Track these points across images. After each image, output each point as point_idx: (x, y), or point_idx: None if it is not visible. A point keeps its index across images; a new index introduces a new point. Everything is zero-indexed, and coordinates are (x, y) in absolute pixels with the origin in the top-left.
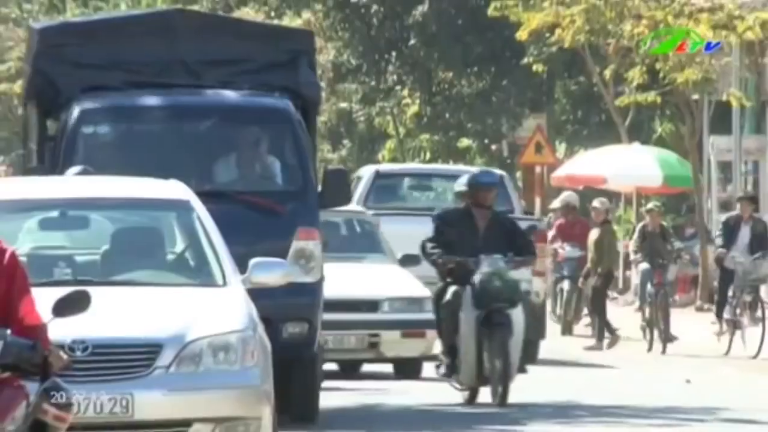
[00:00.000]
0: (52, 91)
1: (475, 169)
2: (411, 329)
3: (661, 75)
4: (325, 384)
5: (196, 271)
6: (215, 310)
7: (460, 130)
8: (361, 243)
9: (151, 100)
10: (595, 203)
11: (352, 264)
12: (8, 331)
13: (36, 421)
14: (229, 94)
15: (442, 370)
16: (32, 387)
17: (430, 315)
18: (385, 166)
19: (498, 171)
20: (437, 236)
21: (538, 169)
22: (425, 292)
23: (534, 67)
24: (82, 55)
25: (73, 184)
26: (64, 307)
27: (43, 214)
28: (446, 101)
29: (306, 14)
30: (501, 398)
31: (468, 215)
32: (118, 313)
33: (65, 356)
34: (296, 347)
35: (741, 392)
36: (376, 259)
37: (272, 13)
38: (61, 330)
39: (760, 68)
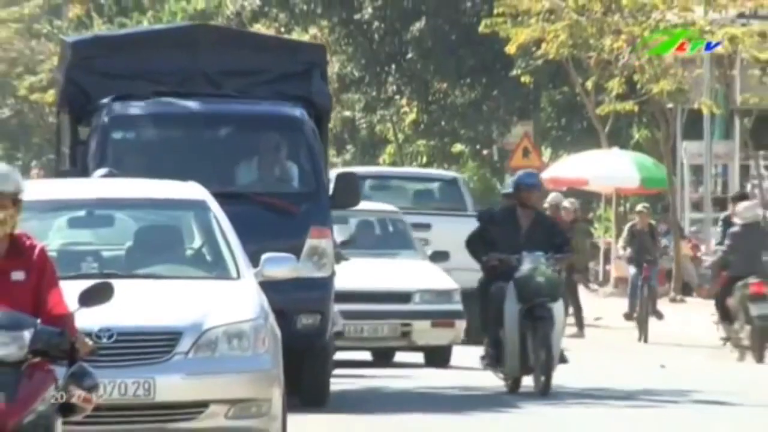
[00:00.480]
0: (84, 99)
1: (433, 170)
2: (440, 319)
3: (638, 85)
4: (357, 371)
5: (212, 266)
6: (230, 301)
7: (453, 136)
8: (394, 240)
9: (175, 108)
10: (565, 203)
11: (386, 260)
12: (38, 320)
13: (64, 403)
14: (247, 103)
15: (487, 360)
16: (60, 371)
17: (458, 306)
18: (346, 170)
19: (453, 173)
20: (482, 234)
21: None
22: (453, 285)
23: (521, 79)
24: (111, 66)
25: (99, 185)
26: (88, 298)
27: (71, 214)
28: (441, 110)
29: (313, 30)
30: (544, 387)
31: (512, 214)
32: (140, 304)
33: (91, 343)
34: (309, 337)
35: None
36: (408, 255)
37: (282, 29)
38: (88, 319)
39: (729, 79)
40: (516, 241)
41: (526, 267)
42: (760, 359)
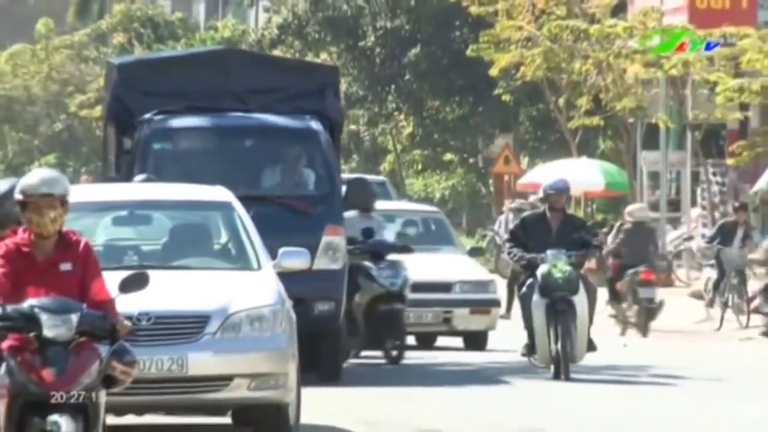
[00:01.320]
0: (128, 114)
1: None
2: (478, 307)
3: (603, 103)
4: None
5: (236, 258)
6: (251, 289)
7: (444, 146)
8: (436, 237)
9: (207, 121)
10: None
11: (429, 254)
12: (84, 306)
13: (107, 376)
14: (270, 117)
15: (523, 350)
16: (104, 349)
17: (494, 295)
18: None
19: (381, 177)
20: (513, 237)
21: (506, 178)
22: (489, 276)
23: (503, 97)
24: (152, 85)
25: (139, 189)
26: (127, 286)
27: (115, 213)
28: (434, 124)
29: (323, 55)
30: (565, 374)
31: (543, 218)
32: (175, 291)
33: (129, 324)
34: (324, 321)
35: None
36: (449, 250)
37: (297, 54)
38: (130, 304)
39: (681, 98)
40: (547, 241)
41: (546, 264)
42: (644, 334)
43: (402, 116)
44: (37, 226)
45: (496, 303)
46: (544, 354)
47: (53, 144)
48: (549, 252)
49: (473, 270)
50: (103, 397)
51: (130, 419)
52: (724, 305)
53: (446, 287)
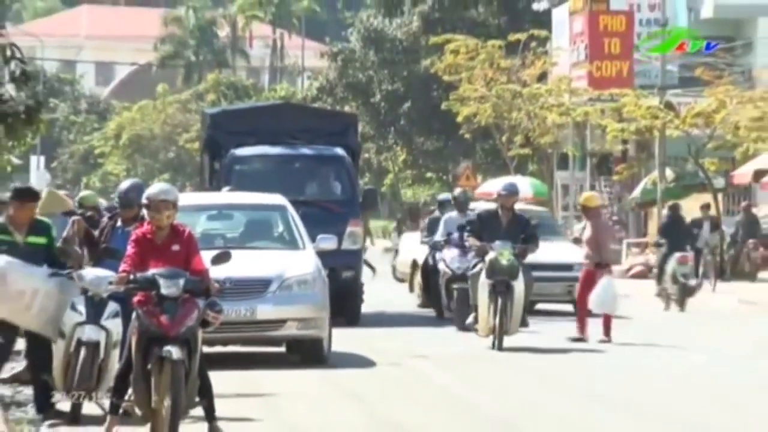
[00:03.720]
0: (217, 147)
1: None
2: None
3: (532, 139)
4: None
5: (289, 242)
6: (298, 262)
7: (426, 168)
8: (548, 231)
9: (269, 151)
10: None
11: (547, 243)
12: (187, 273)
13: (203, 320)
14: (312, 148)
15: (470, 319)
16: (201, 303)
17: None
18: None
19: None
20: (471, 227)
21: (468, 188)
22: None
23: (465, 135)
24: (233, 127)
25: (224, 196)
26: (216, 260)
27: (209, 212)
28: (419, 153)
29: (346, 107)
30: (498, 344)
31: (496, 214)
32: (249, 264)
33: (218, 286)
34: (348, 284)
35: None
36: (558, 240)
37: (329, 106)
38: (218, 272)
39: (583, 136)
40: (497, 233)
41: (494, 252)
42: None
43: (398, 148)
44: (157, 221)
45: None
46: (484, 326)
47: (167, 166)
48: (497, 242)
49: (582, 254)
50: (200, 334)
51: (217, 349)
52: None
53: (568, 267)
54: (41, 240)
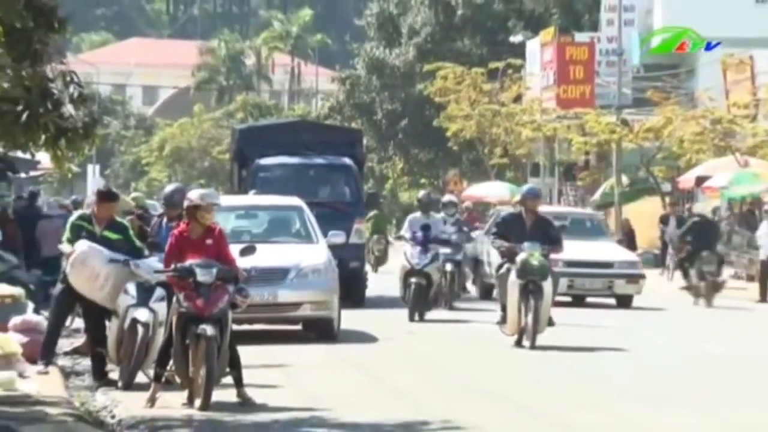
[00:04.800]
0: (244, 157)
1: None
2: (631, 278)
3: (509, 152)
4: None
5: (305, 237)
6: (313, 254)
7: (421, 175)
8: (595, 231)
9: (289, 161)
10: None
11: (592, 242)
12: (219, 264)
13: (232, 303)
14: (324, 158)
15: (497, 319)
16: (231, 288)
17: (641, 270)
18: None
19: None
20: (498, 230)
21: (455, 192)
22: (636, 257)
23: (454, 147)
24: (256, 141)
25: (251, 199)
26: (243, 252)
27: (238, 212)
28: (415, 163)
29: (354, 123)
30: (532, 343)
31: (520, 217)
32: (271, 255)
33: (245, 274)
34: (355, 272)
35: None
36: (604, 239)
37: (338, 123)
38: (245, 263)
39: (552, 148)
40: (522, 235)
41: (525, 253)
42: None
43: (397, 158)
44: (207, 220)
45: (642, 276)
46: (513, 325)
47: (203, 174)
48: (526, 244)
49: (625, 253)
50: (230, 314)
51: (244, 327)
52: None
53: (609, 264)
54: (115, 236)
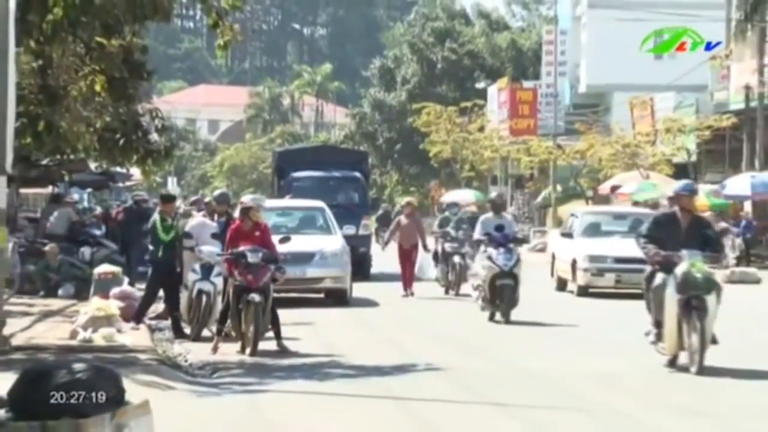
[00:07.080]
0: (282, 172)
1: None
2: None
3: (475, 168)
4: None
5: (326, 230)
6: (332, 242)
7: (411, 184)
8: (634, 227)
9: (315, 174)
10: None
11: (632, 239)
12: (264, 249)
13: (273, 278)
14: (340, 172)
15: (651, 338)
16: (272, 267)
17: None
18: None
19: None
20: (648, 233)
21: (435, 198)
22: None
23: (435, 165)
24: (291, 159)
25: (286, 202)
26: (281, 241)
27: (277, 212)
28: (407, 176)
29: (362, 147)
30: (699, 366)
31: (674, 217)
32: (301, 243)
33: (283, 257)
34: (362, 256)
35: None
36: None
37: (350, 146)
38: (283, 249)
39: (506, 165)
40: (677, 239)
41: (685, 263)
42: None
43: (393, 172)
44: (254, 217)
45: None
46: (672, 344)
47: (252, 184)
48: (684, 251)
49: None
50: (272, 286)
51: (282, 295)
52: None
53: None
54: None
